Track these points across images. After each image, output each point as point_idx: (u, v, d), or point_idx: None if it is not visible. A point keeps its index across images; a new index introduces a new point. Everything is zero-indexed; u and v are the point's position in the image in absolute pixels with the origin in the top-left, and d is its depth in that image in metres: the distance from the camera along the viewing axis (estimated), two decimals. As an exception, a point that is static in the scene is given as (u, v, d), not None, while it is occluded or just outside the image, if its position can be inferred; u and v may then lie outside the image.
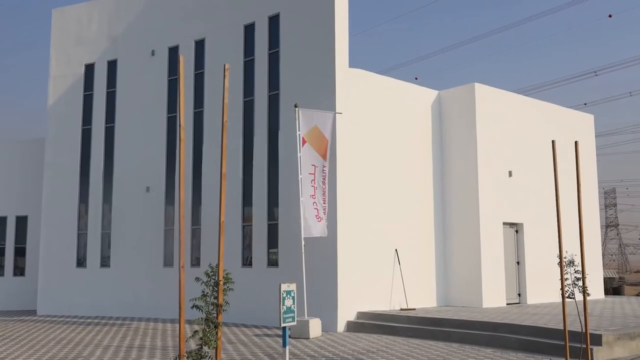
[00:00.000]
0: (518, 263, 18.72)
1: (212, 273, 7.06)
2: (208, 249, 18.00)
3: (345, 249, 15.43)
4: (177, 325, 16.19)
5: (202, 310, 6.93)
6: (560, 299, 10.81)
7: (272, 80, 17.41)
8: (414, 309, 16.48)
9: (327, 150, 15.20)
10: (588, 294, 10.59)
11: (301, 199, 14.76)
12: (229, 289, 7.14)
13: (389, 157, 17.16)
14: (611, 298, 21.83)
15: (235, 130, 17.83)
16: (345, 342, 13.23)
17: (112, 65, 20.89)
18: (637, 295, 27.58)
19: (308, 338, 13.78)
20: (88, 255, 20.39)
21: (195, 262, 18.44)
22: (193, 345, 11.77)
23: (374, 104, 17.07)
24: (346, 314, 15.33)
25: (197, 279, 7.24)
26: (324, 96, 15.83)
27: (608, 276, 30.74)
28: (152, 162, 19.75)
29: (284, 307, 10.41)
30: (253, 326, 16.22)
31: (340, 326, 15.15)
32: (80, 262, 20.54)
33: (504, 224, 18.33)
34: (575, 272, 10.33)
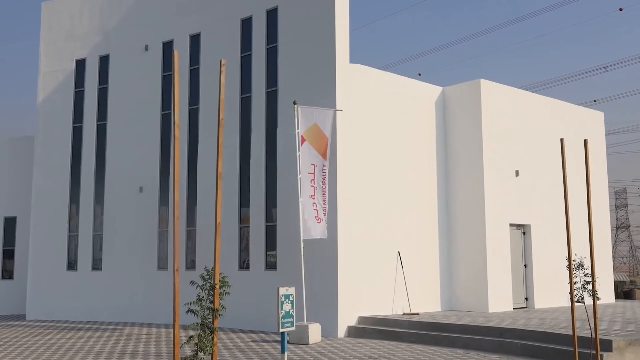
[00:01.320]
0: (525, 266, 18.73)
1: (208, 276, 7.07)
2: (204, 252, 18.00)
3: (346, 252, 15.43)
4: (172, 330, 16.20)
5: (197, 315, 6.94)
6: (569, 304, 10.83)
7: (271, 77, 17.41)
8: (418, 314, 16.49)
9: (327, 149, 15.20)
10: (598, 299, 10.60)
11: (300, 199, 14.76)
12: (226, 293, 7.15)
13: (391, 157, 17.17)
14: (622, 302, 21.84)
15: (232, 129, 17.83)
16: (346, 348, 13.24)
17: (104, 61, 20.88)
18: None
19: (307, 344, 13.79)
20: (79, 258, 20.39)
21: (191, 265, 18.45)
22: (188, 351, 11.74)
23: (376, 101, 17.07)
24: (347, 319, 15.33)
25: (193, 282, 7.25)
26: (324, 93, 15.84)
27: (619, 280, 30.70)
28: (145, 162, 19.75)
29: (283, 311, 10.41)
30: (250, 332, 16.23)
31: (341, 332, 15.15)
32: (71, 265, 20.54)
33: (511, 225, 18.34)
34: (585, 275, 10.34)
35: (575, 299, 10.19)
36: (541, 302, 18.59)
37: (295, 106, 15.09)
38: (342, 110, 15.62)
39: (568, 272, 10.32)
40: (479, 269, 17.46)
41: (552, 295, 18.75)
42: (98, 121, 20.75)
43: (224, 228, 16.74)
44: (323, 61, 16.02)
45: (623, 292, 25.91)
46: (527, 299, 18.60)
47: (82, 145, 20.85)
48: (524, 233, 18.80)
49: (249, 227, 17.39)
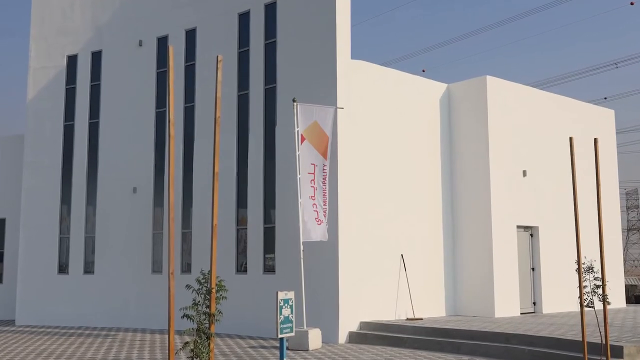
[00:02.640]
0: (533, 269, 18.73)
1: (204, 280, 7.08)
2: (200, 254, 18.01)
3: (347, 254, 15.44)
4: (167, 336, 16.20)
5: (193, 320, 6.95)
6: (578, 308, 10.84)
7: (269, 73, 17.42)
8: (421, 319, 16.49)
9: (327, 148, 15.20)
10: (608, 303, 10.61)
11: (300, 200, 14.77)
12: (222, 297, 7.15)
13: (394, 156, 17.17)
14: (633, 307, 21.84)
15: (228, 127, 17.84)
16: (347, 354, 13.24)
17: (96, 57, 20.89)
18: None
19: (307, 350, 13.79)
20: (70, 261, 20.39)
21: (186, 268, 18.45)
22: (184, 357, 11.73)
23: (378, 98, 17.08)
24: (348, 324, 15.33)
25: (188, 286, 7.25)
26: (324, 90, 15.84)
27: (630, 283, 30.75)
28: (139, 161, 19.76)
29: (282, 316, 10.41)
30: (248, 337, 16.24)
31: (342, 337, 15.16)
32: (62, 268, 20.54)
33: (518, 227, 18.34)
34: (594, 279, 10.35)
35: (585, 304, 10.19)
36: (549, 306, 18.60)
37: (295, 103, 15.09)
38: (342, 108, 15.62)
39: (577, 276, 10.32)
40: (484, 272, 17.46)
41: (560, 299, 18.75)
42: (90, 119, 20.75)
43: (220, 230, 16.74)
44: (323, 57, 16.02)
45: (634, 296, 25.94)
46: (534, 303, 18.60)
47: (73, 144, 20.85)
48: (532, 235, 18.81)
49: (246, 228, 17.39)
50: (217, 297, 7.08)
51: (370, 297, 16.11)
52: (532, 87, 20.07)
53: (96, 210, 20.27)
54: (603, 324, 10.45)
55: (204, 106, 18.55)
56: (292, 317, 10.66)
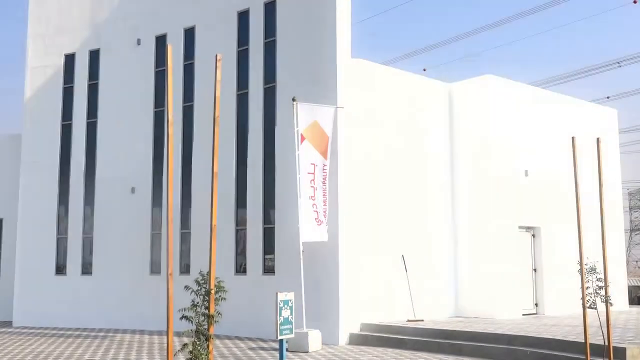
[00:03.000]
0: (535, 270, 18.73)
1: (202, 281, 7.08)
2: (198, 255, 18.00)
3: (347, 255, 15.43)
4: (165, 337, 16.18)
5: (192, 322, 6.95)
6: (580, 310, 10.84)
7: (268, 72, 17.41)
8: (422, 320, 16.48)
9: (327, 147, 15.20)
10: (611, 304, 10.61)
11: (299, 200, 14.76)
12: (221, 299, 7.16)
13: (394, 156, 17.17)
14: (636, 308, 21.83)
15: (227, 126, 17.82)
16: (348, 355, 13.24)
17: (94, 56, 20.88)
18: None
19: (307, 352, 13.79)
20: (68, 262, 20.38)
21: (185, 269, 18.45)
22: (182, 359, 11.74)
23: (379, 97, 17.07)
24: (348, 325, 15.33)
25: (187, 287, 7.26)
26: (324, 89, 15.83)
27: (633, 284, 30.76)
28: (137, 161, 19.74)
29: (281, 318, 10.43)
30: (247, 339, 16.23)
31: (342, 339, 15.15)
32: (60, 269, 20.54)
33: (520, 227, 18.34)
34: (597, 280, 10.36)
35: (587, 305, 10.20)
36: (551, 307, 18.58)
37: (294, 103, 15.08)
38: (343, 107, 15.60)
39: (579, 277, 10.33)
40: (486, 274, 17.45)
41: (562, 300, 18.72)
42: (88, 118, 20.74)
43: (219, 230, 16.63)
44: (323, 56, 16.01)
45: (637, 297, 25.95)
46: (536, 304, 18.60)
47: (71, 144, 20.84)
48: (534, 235, 18.80)
49: (245, 229, 17.39)
50: (216, 298, 7.09)
51: (371, 298, 16.10)
52: (534, 86, 20.06)
53: (94, 211, 20.26)
54: (606, 325, 10.45)
55: (202, 105, 18.54)
56: (292, 318, 10.68)
